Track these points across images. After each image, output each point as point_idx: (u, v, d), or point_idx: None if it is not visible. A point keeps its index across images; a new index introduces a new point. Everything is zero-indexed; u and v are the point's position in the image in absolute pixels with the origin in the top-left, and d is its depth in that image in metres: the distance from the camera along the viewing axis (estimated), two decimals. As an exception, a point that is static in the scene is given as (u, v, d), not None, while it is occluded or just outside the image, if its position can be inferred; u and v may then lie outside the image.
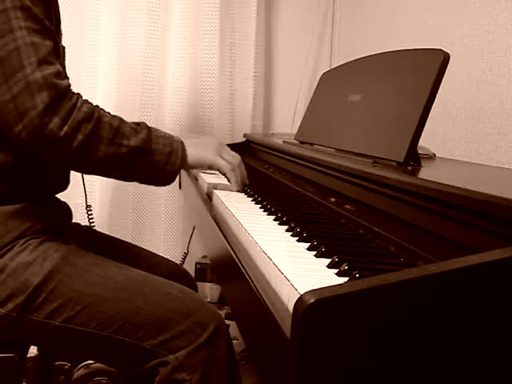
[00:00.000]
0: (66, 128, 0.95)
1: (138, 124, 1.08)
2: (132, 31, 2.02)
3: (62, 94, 0.95)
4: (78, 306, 0.99)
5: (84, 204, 1.98)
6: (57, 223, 1.12)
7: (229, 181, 1.23)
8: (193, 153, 1.12)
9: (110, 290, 1.01)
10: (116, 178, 1.10)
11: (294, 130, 1.63)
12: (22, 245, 1.02)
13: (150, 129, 1.08)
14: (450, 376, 0.54)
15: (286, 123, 2.32)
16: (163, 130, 1.13)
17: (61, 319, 0.99)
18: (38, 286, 0.99)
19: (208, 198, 1.30)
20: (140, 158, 1.05)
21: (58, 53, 1.03)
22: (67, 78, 1.02)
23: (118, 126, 1.02)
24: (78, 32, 2.01)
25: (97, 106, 1.03)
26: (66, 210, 1.19)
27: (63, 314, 0.99)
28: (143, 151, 1.04)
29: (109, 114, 1.04)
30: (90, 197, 1.75)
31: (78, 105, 0.97)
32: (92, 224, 1.69)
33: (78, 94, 1.00)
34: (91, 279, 1.01)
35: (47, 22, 1.00)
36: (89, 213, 1.67)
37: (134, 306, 1.00)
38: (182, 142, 1.11)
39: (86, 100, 1.01)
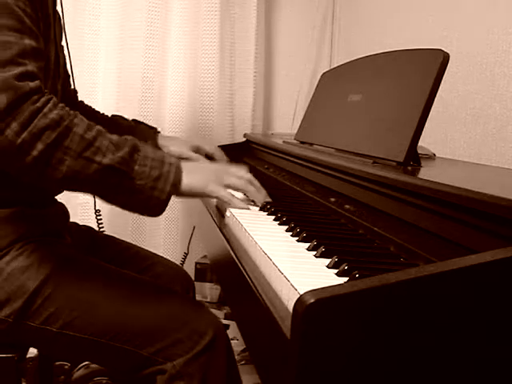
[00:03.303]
0: (24, 135, 0.84)
1: (125, 139, 0.95)
2: (132, 31, 2.02)
3: (23, 97, 0.85)
4: (75, 312, 0.98)
5: (84, 204, 1.99)
6: (54, 225, 1.11)
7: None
8: (187, 179, 0.98)
9: (106, 297, 1.00)
10: (99, 198, 0.97)
11: (294, 130, 1.63)
12: (19, 249, 1.01)
13: (135, 147, 0.94)
14: (450, 376, 0.54)
15: (285, 123, 2.32)
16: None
17: (57, 325, 0.98)
18: (34, 292, 0.98)
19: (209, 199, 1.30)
20: (117, 179, 0.91)
21: (40, 52, 0.93)
22: (39, 79, 0.90)
23: (92, 138, 0.90)
24: (78, 32, 2.01)
25: (75, 113, 0.92)
26: (63, 211, 1.18)
27: (59, 320, 0.98)
28: (120, 172, 0.91)
29: (88, 123, 0.92)
30: (90, 196, 1.73)
31: (45, 110, 0.87)
32: (101, 229, 1.68)
33: (51, 97, 0.90)
34: (88, 285, 1.00)
35: (28, 20, 0.92)
36: (98, 217, 1.66)
37: (131, 313, 0.99)
38: (177, 166, 0.97)
39: (62, 105, 0.91)
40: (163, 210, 0.96)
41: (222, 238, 0.96)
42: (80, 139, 0.89)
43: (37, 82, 0.89)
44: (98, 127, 0.93)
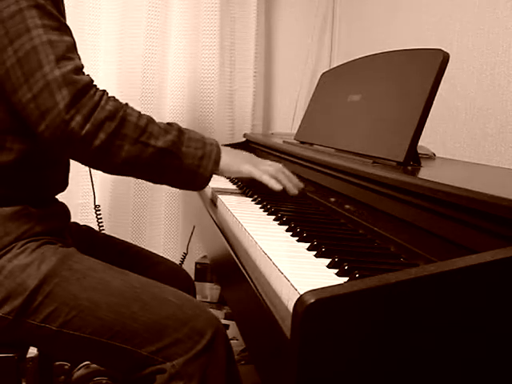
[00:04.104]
0: (87, 126, 0.94)
1: (169, 124, 1.06)
2: (132, 31, 2.02)
3: (82, 90, 0.95)
4: (74, 311, 0.98)
5: (84, 204, 1.99)
6: (56, 224, 1.11)
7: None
8: (226, 158, 1.10)
9: (106, 296, 1.00)
10: (146, 180, 1.08)
11: (294, 130, 1.63)
12: (21, 247, 1.01)
13: (181, 130, 1.07)
14: (450, 376, 0.54)
15: (286, 123, 2.32)
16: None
17: (57, 323, 0.98)
18: (34, 289, 0.98)
19: (209, 199, 1.30)
20: (169, 160, 1.03)
21: (76, 47, 1.02)
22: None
23: (144, 124, 1.01)
24: (78, 32, 2.01)
25: (126, 104, 1.02)
26: (64, 210, 1.19)
27: (59, 319, 0.98)
28: (172, 153, 1.03)
29: (138, 112, 1.03)
30: (89, 196, 1.73)
31: (102, 103, 0.97)
32: (101, 225, 1.68)
33: (103, 91, 1.00)
34: (88, 284, 1.00)
35: (62, 18, 1.00)
36: (97, 213, 1.66)
37: (130, 312, 0.98)
38: (217, 146, 1.10)
39: (113, 97, 1.01)
40: (206, 185, 1.09)
41: (222, 238, 0.96)
42: (135, 127, 1.00)
43: (88, 75, 0.99)
44: (147, 115, 1.04)
